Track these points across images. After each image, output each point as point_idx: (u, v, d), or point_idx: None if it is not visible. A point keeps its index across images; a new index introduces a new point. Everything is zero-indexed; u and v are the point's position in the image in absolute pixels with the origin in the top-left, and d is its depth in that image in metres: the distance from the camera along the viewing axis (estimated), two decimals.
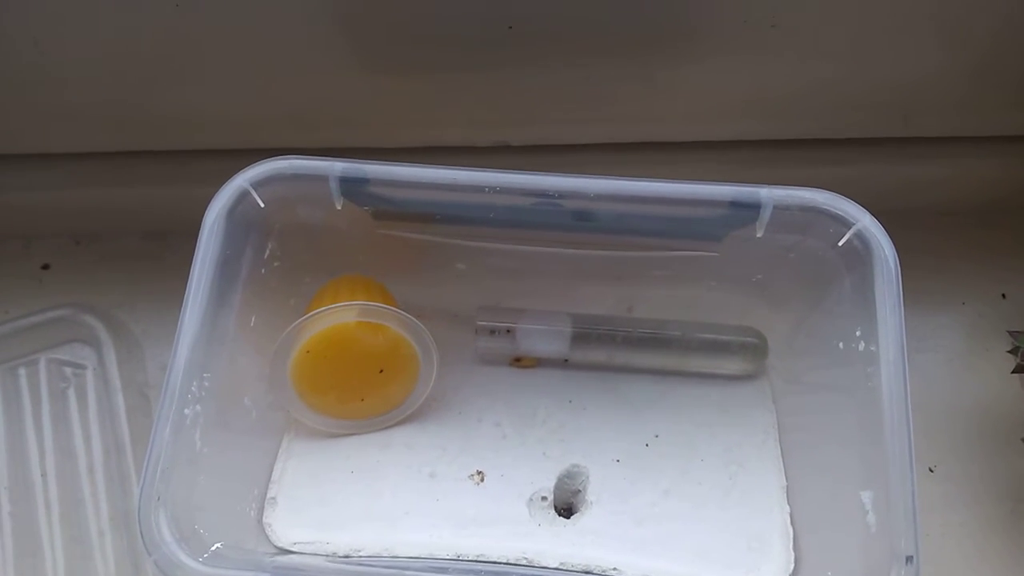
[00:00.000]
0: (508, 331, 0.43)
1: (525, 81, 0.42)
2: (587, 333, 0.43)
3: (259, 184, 0.37)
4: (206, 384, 0.35)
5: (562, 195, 0.36)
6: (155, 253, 0.51)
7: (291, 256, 0.41)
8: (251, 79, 0.42)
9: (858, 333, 0.36)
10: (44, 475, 0.44)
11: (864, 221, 0.36)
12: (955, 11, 0.39)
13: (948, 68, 0.42)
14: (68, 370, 0.47)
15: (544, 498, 0.40)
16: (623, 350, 0.43)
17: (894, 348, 0.34)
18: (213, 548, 0.34)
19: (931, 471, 0.45)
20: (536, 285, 0.43)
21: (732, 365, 0.43)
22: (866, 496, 0.33)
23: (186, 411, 0.34)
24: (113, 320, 0.48)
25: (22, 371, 0.46)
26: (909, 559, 0.31)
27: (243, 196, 0.36)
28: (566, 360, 0.44)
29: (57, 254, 0.51)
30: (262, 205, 0.37)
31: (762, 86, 0.43)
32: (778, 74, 0.42)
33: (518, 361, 0.44)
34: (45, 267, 0.50)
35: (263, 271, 0.39)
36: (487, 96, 0.43)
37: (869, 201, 0.37)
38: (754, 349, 0.43)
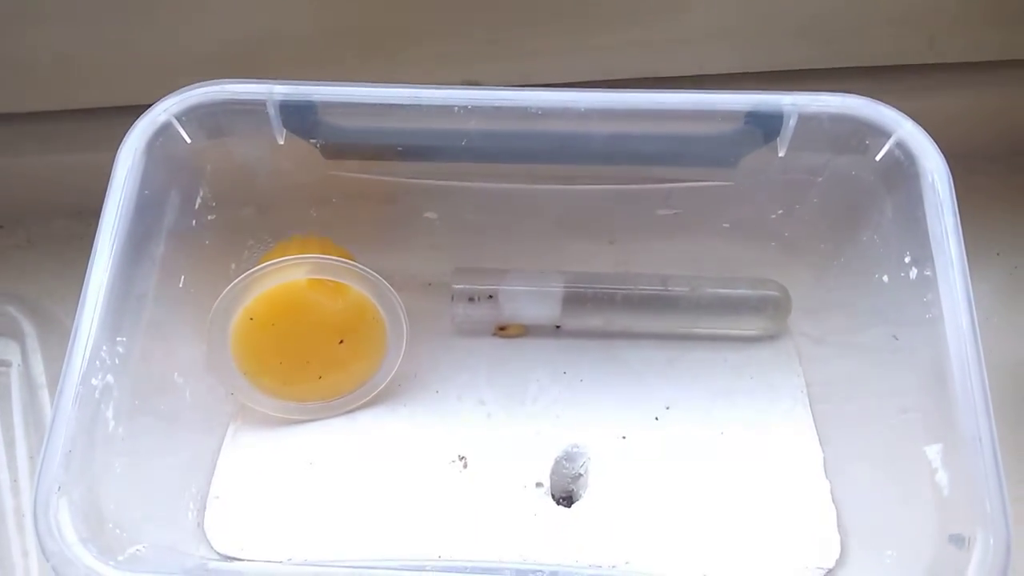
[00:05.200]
0: (490, 296, 0.39)
1: (494, 5, 0.37)
2: (581, 294, 0.39)
3: (184, 115, 0.31)
4: (120, 351, 0.29)
5: (546, 112, 0.31)
6: (87, 234, 0.45)
7: (229, 209, 0.35)
8: (185, 13, 0.37)
9: (907, 259, 0.30)
10: None
11: (906, 127, 0.31)
12: None
13: None
14: None
15: (539, 485, 0.35)
16: (623, 312, 0.39)
17: (956, 270, 0.28)
18: (132, 551, 0.28)
19: None
20: (520, 241, 0.39)
21: (750, 324, 0.39)
22: (933, 451, 0.28)
23: (94, 381, 0.28)
24: (41, 310, 0.43)
25: None
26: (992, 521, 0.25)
27: (165, 129, 0.31)
28: (558, 326, 0.39)
29: None
30: (188, 141, 0.32)
31: (774, 6, 0.38)
32: None
33: (503, 330, 0.40)
34: None
35: (193, 223, 0.34)
36: (451, 27, 0.38)
37: None
38: (775, 304, 0.38)
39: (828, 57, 0.41)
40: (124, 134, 0.41)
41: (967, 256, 0.43)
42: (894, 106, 0.41)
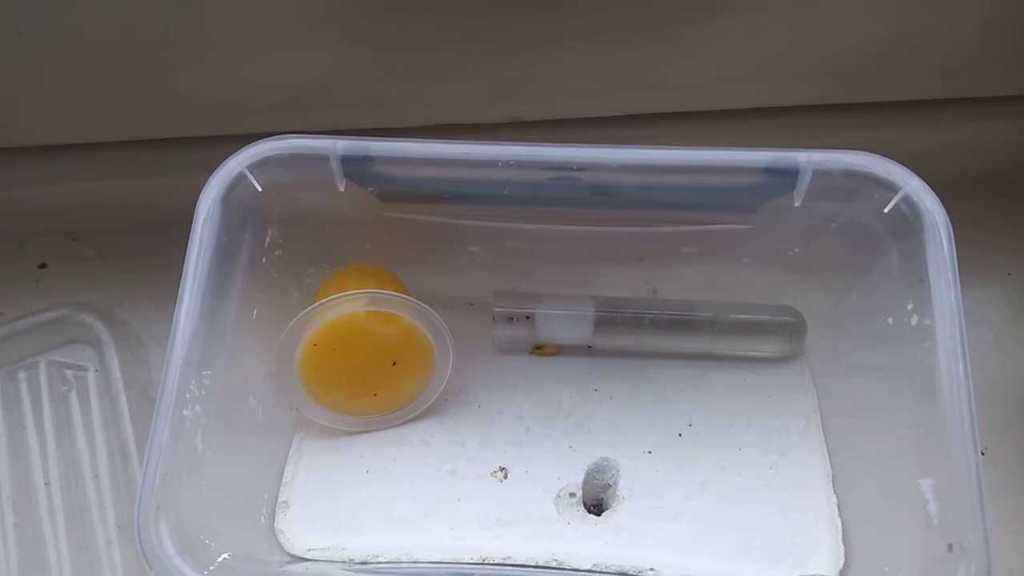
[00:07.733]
0: (527, 317, 0.41)
1: (534, 50, 0.40)
2: (612, 317, 0.41)
3: (255, 166, 0.34)
4: (206, 383, 0.33)
5: (581, 167, 0.34)
6: (156, 248, 0.49)
7: (293, 244, 0.38)
8: (246, 60, 0.40)
9: (909, 306, 0.33)
10: (48, 483, 0.42)
11: (912, 184, 0.33)
12: None
13: (989, 18, 0.40)
14: (69, 372, 0.45)
15: (572, 495, 0.38)
16: (651, 334, 0.41)
17: (951, 322, 0.31)
18: (220, 559, 0.32)
19: (982, 454, 0.42)
20: (556, 267, 0.41)
21: (768, 347, 0.41)
22: (926, 484, 0.31)
23: (185, 412, 0.32)
24: (114, 319, 0.46)
25: (22, 375, 0.45)
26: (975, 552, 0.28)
27: (239, 180, 0.34)
28: (590, 346, 0.42)
29: (54, 252, 0.49)
30: (259, 189, 0.35)
31: (792, 46, 0.40)
32: (809, 31, 0.39)
33: (539, 349, 0.42)
34: (42, 266, 0.48)
35: (264, 260, 0.37)
36: (495, 68, 0.41)
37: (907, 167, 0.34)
38: (792, 329, 0.41)
39: (844, 94, 0.43)
40: (187, 161, 0.44)
41: (979, 276, 0.45)
42: (914, 135, 0.43)
